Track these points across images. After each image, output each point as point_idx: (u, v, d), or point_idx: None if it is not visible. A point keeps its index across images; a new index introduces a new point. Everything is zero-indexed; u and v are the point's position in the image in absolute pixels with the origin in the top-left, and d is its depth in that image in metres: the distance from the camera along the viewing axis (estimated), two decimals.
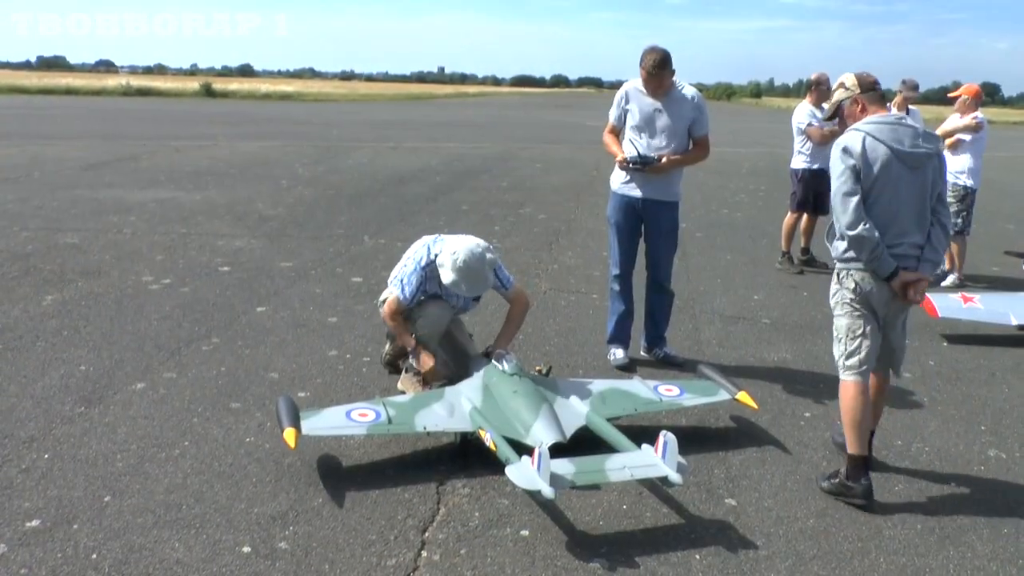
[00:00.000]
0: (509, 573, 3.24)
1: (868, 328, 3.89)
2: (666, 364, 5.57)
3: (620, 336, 5.65)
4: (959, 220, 8.25)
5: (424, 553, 3.34)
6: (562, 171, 16.91)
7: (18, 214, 10.01)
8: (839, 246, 3.88)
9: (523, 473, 3.45)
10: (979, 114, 8.26)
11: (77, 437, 4.18)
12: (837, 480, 3.90)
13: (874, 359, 3.94)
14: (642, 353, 5.71)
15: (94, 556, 3.21)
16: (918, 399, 5.22)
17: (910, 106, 8.63)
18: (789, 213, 8.78)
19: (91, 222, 9.68)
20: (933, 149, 3.84)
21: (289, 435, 3.74)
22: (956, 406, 5.14)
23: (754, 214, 12.44)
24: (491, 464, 3.86)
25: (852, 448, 3.85)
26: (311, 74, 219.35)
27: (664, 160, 5.24)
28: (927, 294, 6.62)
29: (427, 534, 3.47)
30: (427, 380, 4.76)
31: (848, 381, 3.91)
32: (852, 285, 3.87)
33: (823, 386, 5.23)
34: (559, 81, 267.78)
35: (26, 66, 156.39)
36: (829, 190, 3.98)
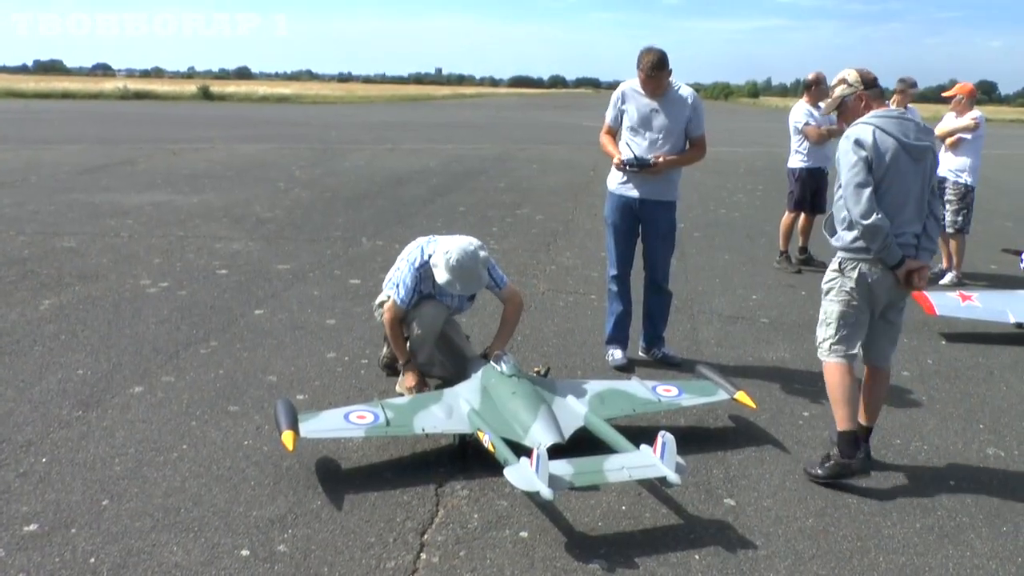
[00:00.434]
0: (508, 575, 3.24)
1: (861, 318, 4.01)
2: (664, 364, 5.57)
3: (618, 337, 5.65)
4: (959, 218, 8.26)
5: (423, 555, 3.33)
6: (560, 172, 16.92)
7: (15, 218, 10.00)
8: (846, 236, 3.94)
9: (521, 474, 3.44)
10: (977, 112, 8.26)
11: (75, 441, 4.17)
12: (832, 463, 3.98)
13: (857, 344, 4.06)
14: (640, 353, 5.71)
15: (92, 560, 3.20)
16: (916, 398, 5.22)
17: (908, 104, 8.62)
18: (787, 212, 8.78)
19: (88, 226, 9.67)
20: (931, 143, 3.99)
21: (287, 438, 3.74)
22: (955, 404, 5.15)
23: (752, 214, 12.45)
24: (490, 466, 3.85)
25: (843, 425, 3.98)
26: (309, 76, 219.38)
27: (660, 162, 5.24)
28: (925, 293, 6.68)
29: (426, 536, 3.47)
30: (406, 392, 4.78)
31: (834, 363, 4.03)
32: (856, 275, 3.94)
33: (822, 385, 5.17)
34: (556, 82, 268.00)
35: (23, 70, 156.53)
36: (826, 189, 4.02)
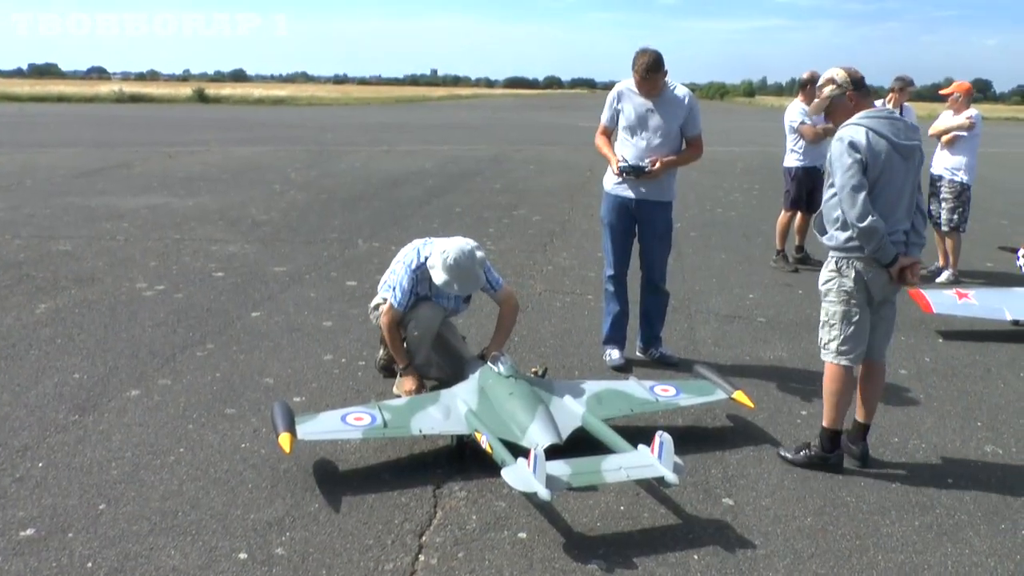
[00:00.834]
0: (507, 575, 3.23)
1: (862, 316, 4.02)
2: (662, 364, 5.57)
3: (616, 337, 5.65)
4: (955, 216, 8.27)
5: (421, 557, 3.33)
6: (556, 172, 16.92)
7: (10, 222, 9.98)
8: (839, 236, 3.96)
9: (519, 475, 3.44)
10: (973, 111, 8.26)
11: (71, 445, 4.16)
12: (812, 453, 4.14)
13: (863, 346, 4.08)
14: (638, 353, 5.70)
15: (89, 565, 3.19)
16: (914, 396, 5.22)
17: (905, 103, 8.63)
18: (783, 211, 8.78)
19: (84, 229, 9.65)
20: (919, 141, 4.02)
21: (284, 440, 3.73)
22: (952, 402, 5.15)
23: (748, 213, 12.46)
24: (487, 467, 3.85)
25: (830, 423, 4.10)
26: (304, 78, 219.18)
27: (657, 166, 5.23)
28: (922, 291, 6.69)
29: (424, 538, 3.46)
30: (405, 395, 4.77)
31: (838, 365, 4.06)
32: (853, 274, 3.97)
33: (819, 384, 5.20)
34: (552, 82, 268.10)
35: (18, 74, 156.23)
36: (822, 188, 4.01)
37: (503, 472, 3.52)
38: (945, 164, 8.32)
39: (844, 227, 3.91)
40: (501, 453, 3.73)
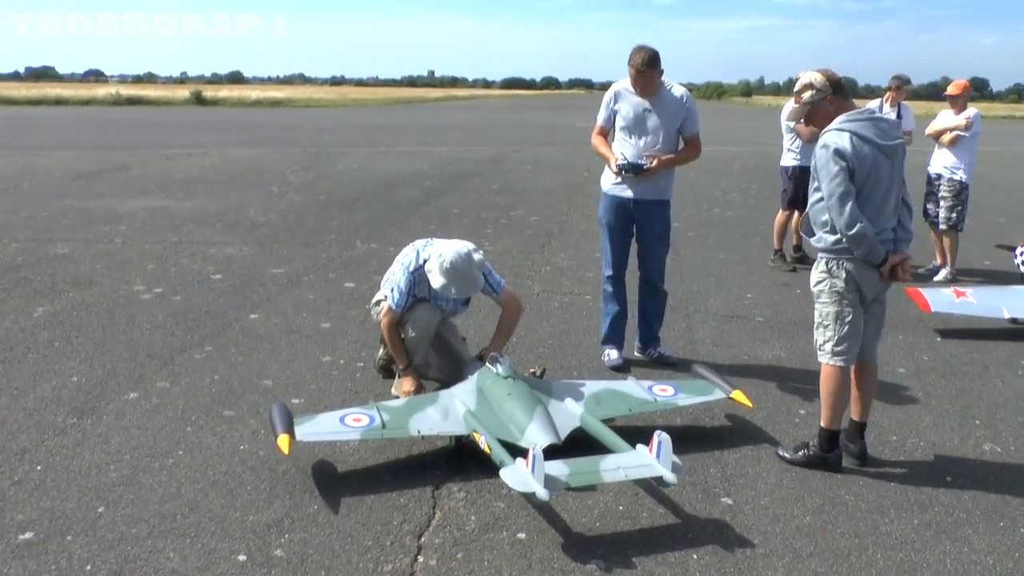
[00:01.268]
0: None
1: (855, 316, 4.03)
2: (660, 364, 5.57)
3: (614, 337, 5.65)
4: (953, 215, 8.27)
5: (420, 558, 3.33)
6: (553, 173, 16.92)
7: (8, 225, 9.97)
8: (828, 238, 3.96)
9: (517, 475, 3.44)
10: (971, 111, 8.24)
11: (70, 448, 4.15)
12: (811, 452, 4.14)
13: (858, 345, 4.08)
14: (636, 353, 5.70)
15: (88, 567, 3.19)
16: (912, 394, 5.23)
17: (902, 101, 8.64)
18: (780, 211, 8.79)
19: (82, 232, 9.65)
20: (901, 137, 4.02)
21: (283, 441, 3.73)
22: (950, 401, 5.15)
23: (746, 212, 12.46)
24: (486, 467, 3.85)
25: (828, 424, 4.11)
26: (301, 80, 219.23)
27: (655, 164, 5.24)
28: (920, 289, 6.70)
29: (423, 539, 3.46)
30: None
31: (834, 367, 4.06)
32: (844, 275, 3.97)
33: (818, 383, 5.21)
34: (549, 83, 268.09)
35: (14, 77, 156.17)
36: None
37: (501, 472, 3.53)
38: (944, 163, 8.32)
39: (833, 230, 3.91)
40: (500, 454, 3.73)
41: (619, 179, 5.37)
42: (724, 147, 23.80)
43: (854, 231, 3.81)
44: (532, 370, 4.75)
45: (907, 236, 4.07)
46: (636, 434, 3.94)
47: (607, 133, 5.52)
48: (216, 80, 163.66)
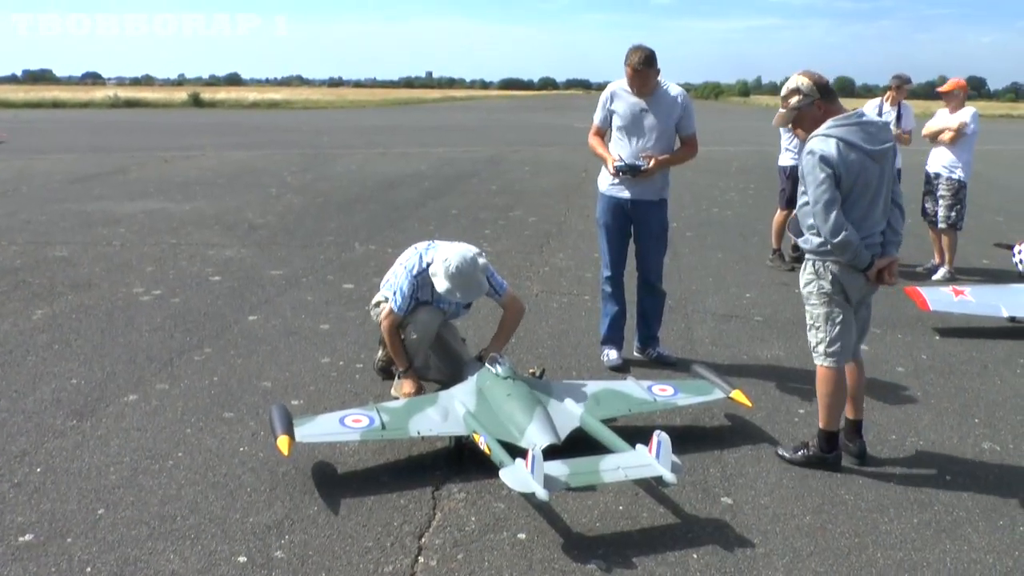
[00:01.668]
0: None
1: (845, 316, 4.03)
2: (659, 364, 5.57)
3: (613, 337, 5.65)
4: (952, 214, 8.28)
5: (421, 559, 3.33)
6: (551, 173, 16.92)
7: (6, 228, 9.97)
8: (814, 240, 3.96)
9: (517, 476, 3.44)
10: (970, 110, 8.22)
11: (69, 450, 4.15)
12: (811, 452, 4.14)
13: (851, 345, 4.09)
14: (635, 353, 5.70)
15: (88, 570, 3.19)
16: (911, 393, 5.23)
17: (903, 101, 8.64)
18: (778, 210, 8.78)
19: (80, 235, 9.65)
20: (891, 140, 3.98)
21: (283, 443, 3.73)
22: (949, 399, 5.15)
23: (744, 212, 12.47)
24: (486, 468, 3.85)
25: (827, 425, 4.12)
26: (299, 81, 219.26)
27: (651, 164, 5.24)
28: (918, 288, 6.71)
29: (423, 540, 3.46)
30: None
31: (828, 368, 4.06)
32: (830, 277, 3.98)
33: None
34: (547, 83, 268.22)
35: (12, 80, 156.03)
36: None
37: (501, 473, 3.53)
38: (942, 162, 8.33)
39: (819, 233, 3.91)
40: (499, 454, 3.73)
41: (616, 180, 5.38)
42: (722, 147, 23.82)
43: (839, 239, 3.82)
44: (531, 370, 4.75)
45: (896, 239, 4.05)
46: (636, 434, 3.95)
47: (604, 133, 5.52)
48: (214, 82, 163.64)
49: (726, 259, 9.10)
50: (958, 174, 8.25)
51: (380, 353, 5.26)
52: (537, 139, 27.78)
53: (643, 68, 5.12)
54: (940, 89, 8.47)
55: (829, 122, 3.89)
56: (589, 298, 7.11)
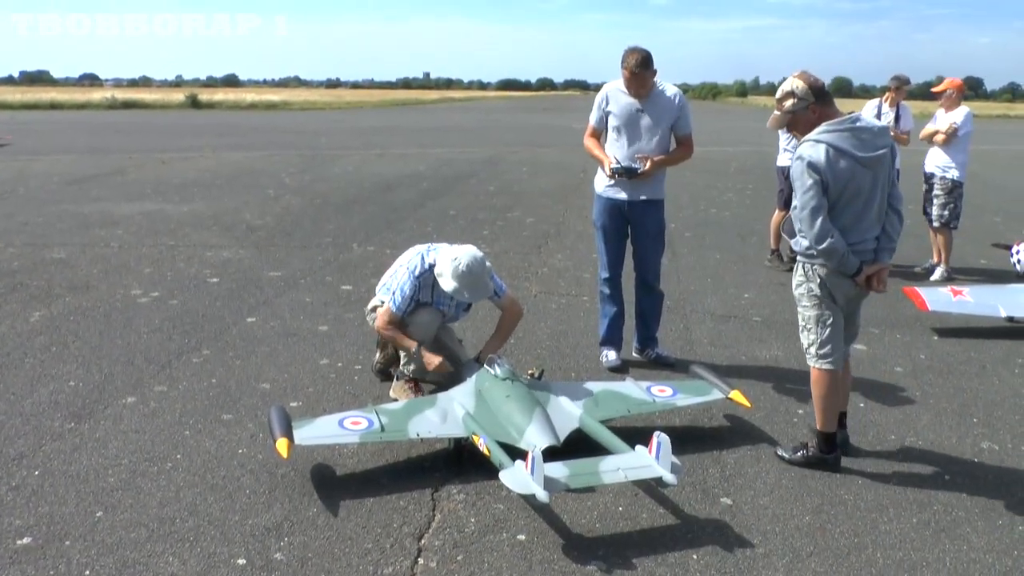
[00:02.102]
0: None
1: (836, 318, 4.04)
2: (658, 365, 5.57)
3: (613, 338, 5.64)
4: (946, 212, 8.31)
5: (420, 560, 3.33)
6: (550, 174, 16.92)
7: (4, 230, 9.95)
8: (803, 242, 3.96)
9: (517, 477, 3.44)
10: (958, 117, 8.21)
11: (67, 453, 4.14)
12: (810, 454, 4.15)
13: (842, 346, 4.10)
14: (634, 354, 5.70)
15: (87, 573, 3.18)
16: (910, 393, 5.23)
17: (901, 101, 8.65)
18: (777, 211, 8.80)
19: (78, 237, 9.63)
20: (886, 144, 3.92)
21: (282, 445, 3.72)
22: (948, 399, 5.16)
23: (742, 213, 12.47)
24: (485, 469, 3.84)
25: (824, 427, 4.12)
26: (297, 83, 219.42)
27: (648, 167, 5.23)
28: (917, 288, 6.71)
29: (423, 541, 3.46)
30: (437, 371, 4.72)
31: (822, 370, 4.07)
32: (818, 280, 3.99)
33: None
34: (545, 84, 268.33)
35: (9, 81, 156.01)
36: None
37: (501, 474, 3.52)
38: (936, 162, 8.36)
39: (810, 246, 3.90)
40: (499, 455, 3.73)
41: (612, 181, 5.37)
42: (721, 147, 23.83)
43: (823, 246, 3.82)
44: (530, 371, 4.75)
45: (890, 246, 4.02)
46: (635, 435, 3.95)
47: (599, 134, 5.50)
48: (211, 83, 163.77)
49: (724, 259, 9.10)
50: (952, 174, 8.27)
51: (378, 355, 5.26)
52: (535, 140, 27.78)
53: (640, 71, 5.11)
54: (934, 89, 8.51)
55: (822, 127, 3.86)
56: (588, 299, 7.11)
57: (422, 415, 4.15)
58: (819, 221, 3.80)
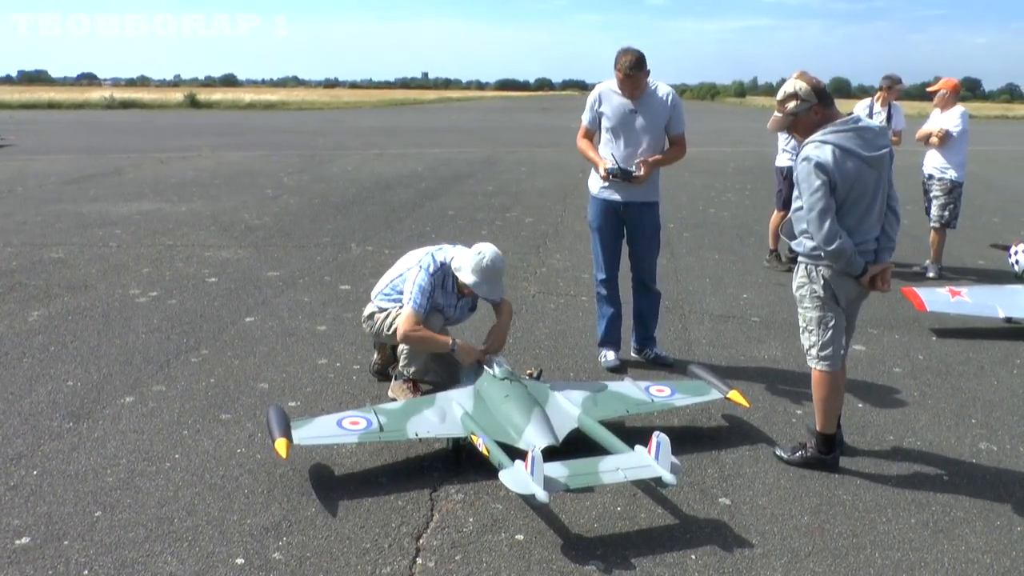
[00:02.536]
0: None
1: (838, 320, 4.03)
2: (657, 364, 5.57)
3: (611, 339, 5.64)
4: (945, 213, 8.34)
5: (419, 560, 3.32)
6: (548, 174, 16.92)
7: (2, 230, 9.94)
8: (808, 244, 3.95)
9: (516, 477, 3.44)
10: (952, 118, 8.22)
11: (66, 453, 4.14)
12: (808, 454, 4.15)
13: (843, 347, 4.09)
14: (632, 354, 5.70)
15: (86, 572, 3.18)
16: (909, 394, 5.24)
17: (893, 101, 8.67)
18: (775, 211, 8.80)
19: (76, 236, 9.63)
20: (886, 144, 3.95)
21: (280, 445, 3.72)
22: (946, 400, 5.16)
23: (741, 213, 12.48)
24: (484, 469, 3.85)
25: (825, 428, 4.12)
26: (295, 82, 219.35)
27: (643, 170, 5.21)
28: (915, 289, 6.72)
29: (421, 541, 3.46)
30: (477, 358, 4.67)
31: (824, 372, 4.06)
32: (822, 281, 3.97)
33: None
34: (543, 84, 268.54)
35: (7, 81, 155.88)
36: None
37: (501, 474, 3.52)
38: (934, 164, 8.39)
39: (813, 238, 3.89)
40: (498, 455, 3.73)
41: (607, 183, 5.35)
42: (719, 148, 23.84)
43: (833, 247, 3.81)
44: (529, 371, 4.75)
45: (890, 245, 4.03)
46: (634, 435, 3.95)
47: (592, 135, 5.49)
48: (210, 83, 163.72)
49: (723, 260, 9.11)
50: (950, 175, 8.30)
51: (375, 357, 5.25)
52: (533, 140, 27.78)
53: (634, 72, 5.09)
54: (929, 88, 8.55)
55: (826, 128, 3.86)
56: (586, 299, 7.11)
57: (421, 415, 4.15)
58: (828, 222, 3.79)
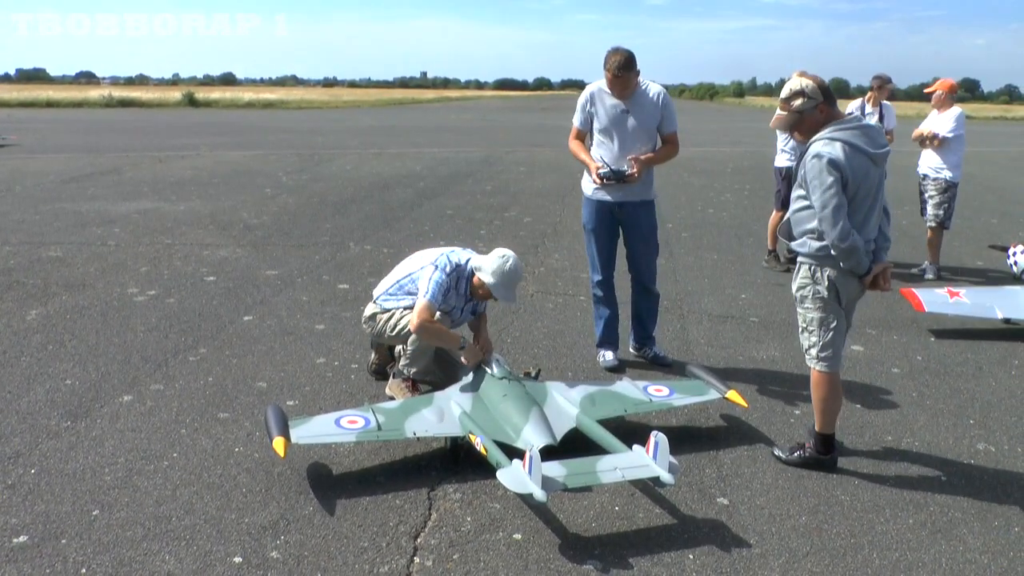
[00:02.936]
0: None
1: (839, 321, 4.03)
2: (656, 364, 5.57)
3: (609, 339, 5.64)
4: (941, 212, 8.36)
5: (417, 559, 3.32)
6: (546, 174, 16.92)
7: (0, 228, 9.93)
8: (813, 244, 3.94)
9: (514, 477, 3.44)
10: (947, 120, 8.22)
11: (64, 451, 4.14)
12: (806, 454, 4.15)
13: (843, 348, 4.10)
14: (631, 352, 5.70)
15: (83, 571, 3.18)
16: (907, 394, 5.24)
17: (884, 101, 8.70)
18: (774, 211, 8.80)
19: (74, 235, 9.62)
20: (887, 144, 3.98)
21: (278, 444, 3.72)
22: (944, 400, 5.16)
23: (739, 213, 12.48)
24: (482, 468, 3.85)
25: (824, 428, 4.13)
26: (294, 81, 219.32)
27: (636, 168, 5.21)
28: (914, 290, 6.73)
29: (419, 540, 3.46)
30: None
31: (823, 373, 4.06)
32: (827, 282, 3.96)
33: None
34: (542, 84, 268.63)
35: (5, 79, 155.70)
36: None
37: (499, 474, 3.52)
38: (929, 164, 8.42)
39: (819, 237, 3.89)
40: (496, 455, 3.73)
41: (601, 186, 5.33)
42: (718, 148, 23.84)
43: (846, 244, 3.79)
44: (527, 371, 4.76)
45: (886, 244, 4.06)
46: (632, 434, 3.95)
47: (584, 136, 5.46)
48: (208, 82, 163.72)
49: (722, 260, 9.11)
50: (945, 175, 8.32)
51: (373, 356, 5.25)
52: (532, 139, 27.78)
53: (623, 73, 5.07)
54: (926, 89, 8.58)
55: (832, 125, 3.86)
56: (584, 298, 7.11)
57: (419, 414, 4.15)
58: (841, 219, 3.78)
